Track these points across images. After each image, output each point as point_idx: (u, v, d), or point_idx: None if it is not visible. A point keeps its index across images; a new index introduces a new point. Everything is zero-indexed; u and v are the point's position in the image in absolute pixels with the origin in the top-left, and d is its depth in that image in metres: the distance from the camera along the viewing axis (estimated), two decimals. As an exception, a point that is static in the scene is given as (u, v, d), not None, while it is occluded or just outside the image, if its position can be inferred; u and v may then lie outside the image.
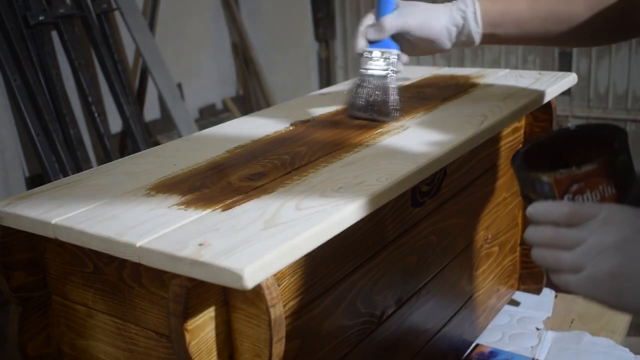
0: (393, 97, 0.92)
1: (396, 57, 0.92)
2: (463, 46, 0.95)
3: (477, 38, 0.92)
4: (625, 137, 0.60)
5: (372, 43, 0.93)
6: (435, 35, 0.91)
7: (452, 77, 1.23)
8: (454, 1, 0.93)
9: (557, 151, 0.66)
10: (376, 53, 0.92)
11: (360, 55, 0.93)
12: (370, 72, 0.93)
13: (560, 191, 0.58)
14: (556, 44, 0.96)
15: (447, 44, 0.93)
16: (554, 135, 0.70)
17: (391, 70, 0.92)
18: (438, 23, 0.91)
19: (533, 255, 0.61)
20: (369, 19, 0.94)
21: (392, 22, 0.91)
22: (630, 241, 0.54)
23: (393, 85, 0.92)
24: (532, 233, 0.60)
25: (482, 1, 0.91)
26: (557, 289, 1.37)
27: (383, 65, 0.92)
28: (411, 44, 0.94)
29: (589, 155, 0.60)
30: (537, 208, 0.60)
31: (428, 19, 0.91)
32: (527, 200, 0.62)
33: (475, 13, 0.90)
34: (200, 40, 2.62)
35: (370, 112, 0.93)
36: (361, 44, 0.92)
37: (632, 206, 0.57)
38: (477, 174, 1.06)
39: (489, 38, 0.93)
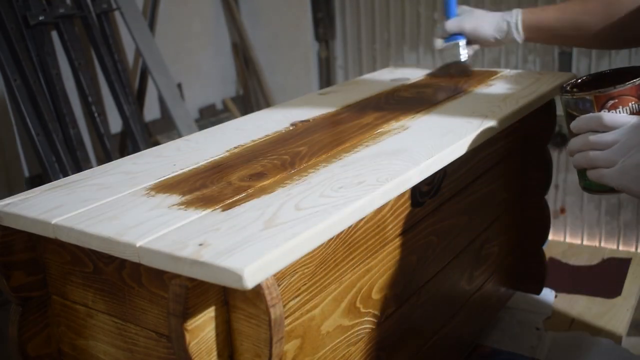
0: (466, 65, 1.23)
1: (463, 43, 1.21)
2: (510, 42, 1.19)
3: (519, 41, 1.16)
4: None
5: (446, 39, 1.22)
6: (483, 38, 1.19)
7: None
8: (504, 12, 1.17)
9: (596, 85, 0.79)
10: (447, 44, 1.23)
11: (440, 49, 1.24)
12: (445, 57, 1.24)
13: (599, 106, 0.75)
14: (576, 46, 1.21)
15: (495, 43, 1.20)
16: (592, 75, 0.85)
17: (463, 52, 1.21)
18: (486, 30, 1.18)
19: (574, 160, 0.76)
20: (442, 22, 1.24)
21: (451, 25, 1.20)
22: None
23: (465, 59, 1.22)
24: (576, 141, 0.76)
25: (525, 12, 1.14)
26: (557, 288, 1.37)
27: (453, 51, 1.22)
28: (468, 40, 1.21)
29: (622, 82, 0.75)
30: (581, 119, 0.75)
31: (479, 25, 1.18)
32: (572, 118, 0.77)
33: (517, 23, 1.14)
34: (200, 40, 2.62)
35: (454, 73, 1.23)
36: (437, 41, 1.23)
37: None
38: (477, 174, 1.06)
39: (531, 40, 1.17)
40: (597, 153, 0.73)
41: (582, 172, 0.78)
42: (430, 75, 1.27)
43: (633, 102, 0.74)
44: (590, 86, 0.82)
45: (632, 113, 0.74)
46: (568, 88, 0.82)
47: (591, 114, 0.75)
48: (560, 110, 0.91)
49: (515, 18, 1.14)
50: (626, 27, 1.03)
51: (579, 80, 0.84)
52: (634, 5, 1.01)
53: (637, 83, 0.75)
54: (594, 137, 0.74)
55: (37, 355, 0.75)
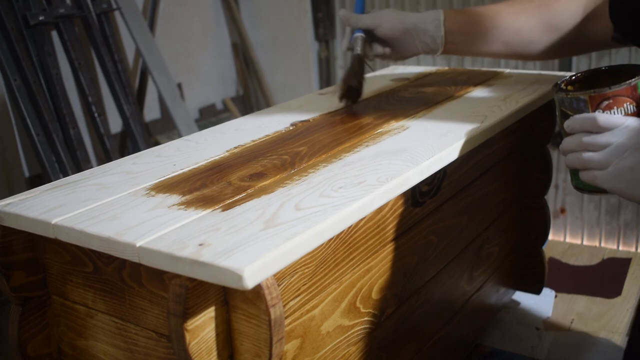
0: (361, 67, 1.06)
1: (360, 37, 1.04)
2: (427, 51, 1.03)
3: (439, 44, 1.01)
4: None
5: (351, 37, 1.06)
6: (397, 37, 1.01)
7: (453, 77, 1.23)
8: (425, 12, 1.02)
9: (591, 83, 0.79)
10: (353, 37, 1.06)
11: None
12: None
13: (593, 106, 0.73)
14: (507, 57, 1.06)
15: (413, 45, 1.02)
16: (587, 72, 0.83)
17: (358, 47, 1.04)
18: (396, 28, 1.01)
19: (567, 160, 0.75)
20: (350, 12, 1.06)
21: (365, 18, 1.02)
22: None
23: (358, 52, 1.04)
24: (569, 141, 0.74)
25: (448, 13, 1.00)
26: (557, 288, 1.37)
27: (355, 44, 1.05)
28: (382, 44, 1.04)
29: (617, 82, 0.74)
30: (575, 119, 0.74)
31: (388, 21, 1.02)
32: (565, 116, 0.76)
33: (440, 25, 1.00)
34: (200, 40, 2.62)
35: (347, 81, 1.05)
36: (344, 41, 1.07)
37: None
38: (477, 174, 1.06)
39: (450, 48, 1.02)
40: (590, 154, 0.72)
41: (574, 172, 0.78)
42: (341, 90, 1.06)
43: (628, 103, 0.73)
44: (584, 84, 0.81)
45: (627, 114, 0.73)
46: (562, 86, 0.80)
47: (585, 115, 0.73)
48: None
49: (439, 17, 1.00)
50: (563, 30, 0.96)
51: (574, 77, 0.82)
52: (571, 7, 0.95)
53: (632, 83, 0.73)
54: (587, 138, 0.72)
55: (37, 355, 0.75)
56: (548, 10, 0.96)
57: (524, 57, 1.03)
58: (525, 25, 0.97)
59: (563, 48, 0.99)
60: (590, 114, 0.73)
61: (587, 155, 0.72)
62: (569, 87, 0.81)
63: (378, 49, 1.05)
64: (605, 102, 0.73)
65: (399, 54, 1.05)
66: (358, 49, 1.03)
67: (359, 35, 1.04)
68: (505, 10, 0.99)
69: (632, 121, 0.71)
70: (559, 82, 0.81)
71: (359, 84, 1.04)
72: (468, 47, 1.02)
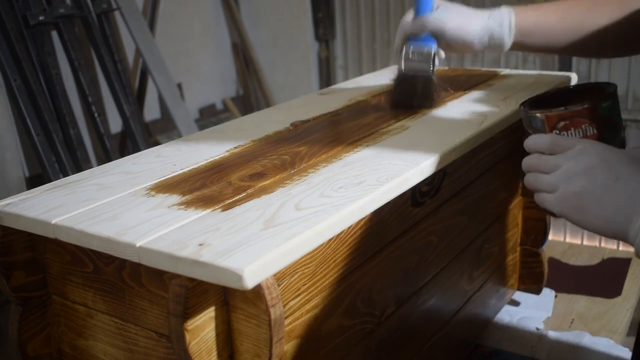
0: (431, 89, 0.99)
1: (433, 52, 0.97)
2: (493, 51, 1.00)
3: (508, 45, 0.97)
4: (613, 89, 0.73)
5: (410, 39, 0.98)
6: (469, 39, 0.97)
7: (452, 78, 1.23)
8: (492, 9, 0.97)
9: (559, 101, 0.76)
10: (415, 48, 0.98)
11: (400, 51, 0.98)
12: (409, 66, 0.99)
13: (550, 126, 0.71)
14: (580, 55, 1.03)
15: (478, 47, 0.98)
16: (556, 91, 0.82)
17: (430, 64, 0.97)
18: (473, 28, 0.96)
19: (525, 179, 0.73)
20: (409, 16, 0.99)
21: (431, 22, 0.96)
22: (596, 168, 0.66)
23: (431, 78, 0.98)
24: (526, 160, 0.73)
25: (517, 11, 0.96)
26: (557, 288, 1.37)
27: (421, 59, 0.98)
28: (446, 43, 0.98)
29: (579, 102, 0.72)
30: (531, 138, 0.72)
31: (464, 23, 0.96)
32: (526, 135, 0.74)
33: (510, 24, 0.96)
34: (200, 40, 2.62)
35: (410, 102, 0.99)
36: (399, 40, 0.99)
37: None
38: (477, 174, 1.06)
39: (519, 46, 0.98)
40: (541, 176, 0.70)
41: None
42: (389, 100, 1.04)
43: (586, 125, 0.71)
44: (555, 102, 0.78)
45: (585, 136, 0.71)
46: (527, 103, 0.78)
47: (539, 135, 0.71)
48: None
49: (508, 19, 0.96)
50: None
51: (542, 96, 0.80)
52: None
53: (590, 104, 0.71)
54: (538, 159, 0.70)
55: (37, 355, 0.75)
56: (625, 6, 0.91)
57: (593, 55, 1.03)
58: (598, 24, 0.92)
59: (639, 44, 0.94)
60: (543, 135, 0.71)
61: (538, 176, 0.71)
62: (531, 105, 0.78)
63: (441, 53, 1.01)
64: (562, 123, 0.71)
65: (456, 50, 1.01)
66: (430, 67, 0.97)
67: (430, 48, 0.96)
68: (576, 6, 0.95)
69: (584, 144, 0.68)
70: (529, 98, 0.79)
71: (429, 104, 0.99)
72: (534, 47, 0.99)
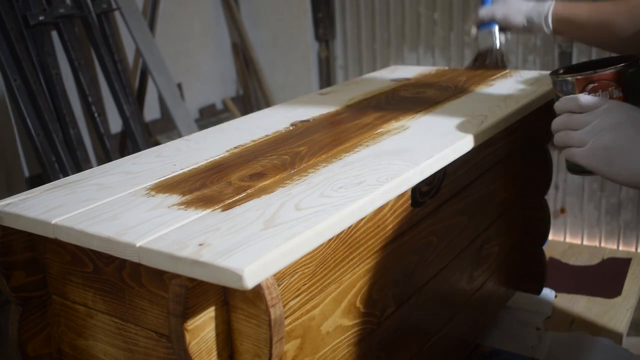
0: (501, 54, 1.28)
1: (495, 30, 1.24)
2: (536, 34, 1.27)
3: (547, 32, 1.15)
4: (636, 60, 0.79)
5: (480, 26, 1.26)
6: (513, 26, 1.21)
7: (452, 77, 1.23)
8: (538, 1, 1.17)
9: (587, 70, 0.82)
10: (480, 32, 1.27)
11: (475, 34, 1.29)
12: (480, 43, 1.29)
13: (579, 89, 0.78)
14: (604, 48, 1.14)
15: (525, 31, 1.21)
16: (583, 63, 0.88)
17: (493, 41, 1.26)
18: (516, 18, 1.20)
19: (555, 139, 0.78)
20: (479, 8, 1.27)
21: (483, 13, 1.24)
22: (623, 124, 0.72)
23: (498, 46, 1.26)
24: (556, 120, 0.77)
25: (557, 5, 1.13)
26: (557, 288, 1.37)
27: (486, 39, 1.27)
28: (500, 27, 1.24)
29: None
30: (562, 100, 0.78)
31: (510, 13, 1.21)
32: (556, 99, 0.80)
33: (547, 15, 1.13)
34: (200, 40, 2.62)
35: (489, 64, 1.28)
36: (472, 29, 1.28)
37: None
38: (477, 174, 1.06)
39: (559, 33, 1.16)
40: (571, 132, 0.75)
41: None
42: (468, 67, 1.32)
43: (613, 88, 0.77)
44: (583, 70, 0.85)
45: (611, 98, 0.77)
46: (560, 71, 0.84)
47: (570, 96, 0.77)
48: None
49: (547, 9, 1.15)
50: None
51: (575, 64, 0.86)
52: None
53: (617, 69, 0.77)
54: (569, 117, 0.76)
55: (37, 355, 0.75)
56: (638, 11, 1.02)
57: (615, 50, 1.10)
58: (616, 24, 1.02)
59: None
60: (574, 95, 0.77)
61: (569, 133, 0.76)
62: (562, 70, 0.85)
63: (502, 37, 1.26)
64: (591, 85, 0.78)
65: (510, 30, 1.26)
66: (497, 42, 1.24)
67: (494, 28, 1.24)
68: (604, 7, 1.05)
69: (612, 103, 0.74)
70: (558, 68, 0.86)
71: (504, 66, 1.27)
72: (572, 36, 1.20)
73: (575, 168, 0.79)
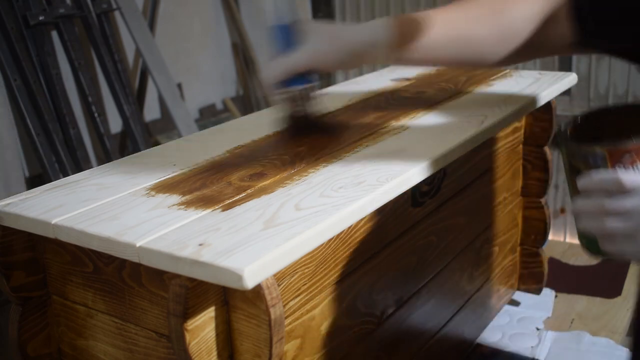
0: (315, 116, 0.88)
1: (309, 90, 0.86)
2: (370, 63, 0.88)
3: (385, 61, 0.88)
4: None
5: (290, 82, 0.84)
6: (331, 69, 0.87)
7: (452, 77, 1.23)
8: (366, 23, 0.85)
9: (597, 126, 0.70)
10: (291, 94, 0.85)
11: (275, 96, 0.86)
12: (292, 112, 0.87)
13: (613, 162, 0.62)
14: (463, 66, 0.99)
15: (355, 67, 0.88)
16: (592, 113, 0.72)
17: (309, 106, 0.87)
18: (335, 58, 0.83)
19: (583, 225, 0.62)
20: (270, 59, 0.85)
21: (286, 65, 0.82)
22: None
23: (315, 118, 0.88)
24: (585, 203, 0.62)
25: (395, 22, 0.84)
26: (557, 288, 1.37)
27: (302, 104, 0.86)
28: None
29: (629, 129, 0.64)
30: (594, 179, 0.61)
31: (326, 53, 0.83)
32: (576, 171, 0.65)
33: (384, 37, 0.83)
34: (200, 40, 2.62)
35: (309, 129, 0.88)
36: (271, 87, 0.85)
37: None
38: (477, 174, 1.06)
39: (400, 61, 0.87)
40: (616, 224, 0.60)
41: (586, 234, 0.65)
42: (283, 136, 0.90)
43: None
44: (591, 128, 0.70)
45: None
46: (568, 131, 0.69)
47: (607, 174, 0.61)
48: (560, 110, 0.88)
49: (381, 36, 0.83)
50: (519, 37, 0.85)
51: (579, 120, 0.71)
52: (526, 12, 0.84)
53: None
54: (611, 203, 0.59)
55: (37, 355, 0.75)
56: (503, 17, 0.85)
57: (478, 66, 0.96)
58: (478, 36, 0.85)
59: (519, 55, 0.87)
60: (614, 174, 0.60)
61: (613, 224, 0.60)
62: (577, 135, 0.69)
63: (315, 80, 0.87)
64: (627, 157, 0.61)
65: (334, 70, 0.93)
66: (302, 106, 0.86)
67: (307, 86, 0.85)
68: (456, 18, 0.86)
69: None
70: (563, 129, 0.70)
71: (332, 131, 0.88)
72: (415, 61, 0.88)
73: (604, 253, 0.64)
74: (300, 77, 0.84)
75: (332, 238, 0.72)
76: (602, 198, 0.60)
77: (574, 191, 0.65)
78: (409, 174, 0.73)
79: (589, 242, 0.65)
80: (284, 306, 0.67)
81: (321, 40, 0.83)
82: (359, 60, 0.85)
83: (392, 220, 0.84)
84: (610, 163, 0.62)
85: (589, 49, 0.83)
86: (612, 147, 0.61)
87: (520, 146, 1.22)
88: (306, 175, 0.74)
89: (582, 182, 0.63)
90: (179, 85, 2.51)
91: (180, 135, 2.05)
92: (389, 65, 1.45)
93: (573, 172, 0.65)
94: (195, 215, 0.64)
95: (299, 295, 0.70)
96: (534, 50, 0.86)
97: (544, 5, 0.83)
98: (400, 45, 0.84)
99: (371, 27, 0.84)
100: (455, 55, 0.87)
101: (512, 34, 0.85)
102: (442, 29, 0.85)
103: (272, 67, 0.83)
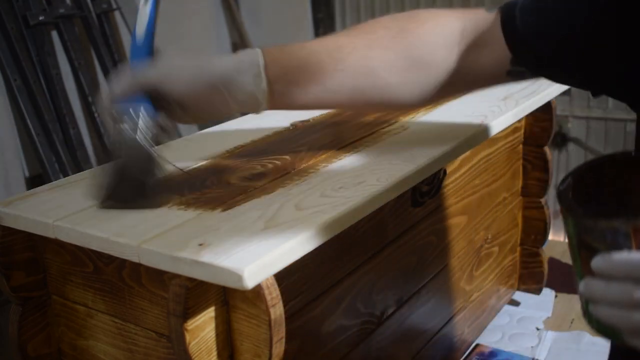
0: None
1: (142, 111, 0.67)
2: (242, 111, 0.74)
3: (262, 101, 0.69)
4: None
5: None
6: (198, 92, 0.67)
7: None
8: (234, 54, 0.70)
9: (598, 182, 0.58)
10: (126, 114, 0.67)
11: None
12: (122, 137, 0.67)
13: (638, 240, 0.49)
14: (376, 108, 0.82)
15: (213, 106, 0.68)
16: (587, 166, 0.58)
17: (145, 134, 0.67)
18: (200, 75, 0.67)
19: (603, 314, 0.50)
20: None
21: (146, 76, 0.68)
22: None
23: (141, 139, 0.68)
24: (606, 289, 0.49)
25: (271, 51, 0.70)
26: (557, 288, 1.37)
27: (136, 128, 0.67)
28: (178, 107, 0.69)
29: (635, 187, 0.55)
30: (613, 260, 0.49)
31: (186, 71, 0.68)
32: (586, 248, 0.51)
33: (255, 65, 0.68)
34: (200, 40, 2.62)
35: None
36: (104, 103, 0.69)
37: None
38: (477, 174, 1.06)
39: (279, 103, 0.71)
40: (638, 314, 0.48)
41: (606, 323, 0.52)
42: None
43: None
44: (592, 185, 0.58)
45: None
46: (577, 205, 0.53)
47: (634, 256, 0.48)
48: (560, 110, 0.85)
49: (253, 63, 0.68)
50: (434, 68, 0.71)
51: (578, 178, 0.57)
52: (437, 35, 0.71)
53: None
54: (630, 290, 0.48)
55: (37, 355, 0.75)
56: (408, 41, 0.70)
57: (385, 105, 0.75)
58: (379, 64, 0.70)
59: (439, 88, 0.72)
60: (633, 255, 0.49)
61: (635, 315, 0.48)
62: (573, 193, 0.55)
63: (167, 117, 0.69)
64: None
65: (198, 117, 0.71)
66: (141, 133, 0.67)
67: (138, 108, 0.67)
68: (349, 44, 0.70)
69: None
70: (564, 191, 0.55)
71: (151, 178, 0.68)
72: (302, 100, 0.71)
73: (618, 337, 0.51)
74: (143, 99, 0.67)
75: (332, 238, 0.72)
76: (629, 285, 0.48)
77: (585, 270, 0.52)
78: (409, 174, 0.73)
79: (607, 331, 0.52)
80: (284, 306, 0.67)
81: (177, 60, 0.69)
82: (219, 96, 0.67)
83: (392, 220, 0.85)
84: (635, 242, 0.49)
85: (526, 77, 0.71)
86: (638, 223, 0.49)
87: (520, 146, 1.22)
88: (306, 175, 0.74)
89: (601, 264, 0.50)
90: (179, 85, 2.51)
91: (180, 135, 2.05)
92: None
93: (583, 248, 0.52)
94: (195, 215, 0.64)
95: (299, 295, 0.70)
96: (458, 82, 0.72)
97: (464, 27, 0.70)
98: (278, 83, 0.68)
99: (240, 58, 0.69)
100: (351, 93, 0.71)
101: (423, 61, 0.71)
102: (332, 59, 0.69)
103: (117, 79, 0.68)
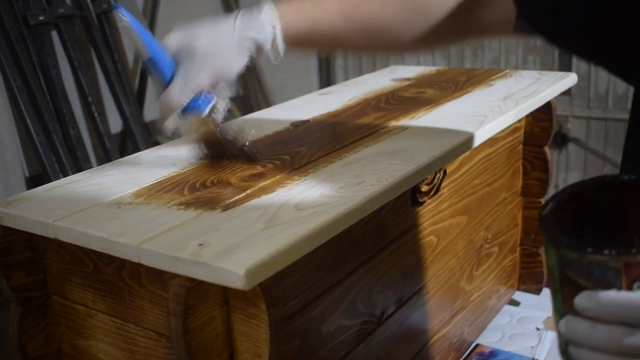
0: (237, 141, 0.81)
1: (214, 107, 0.76)
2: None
3: (279, 58, 0.77)
4: None
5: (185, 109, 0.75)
6: (231, 80, 0.77)
7: (452, 77, 1.23)
8: (247, 28, 0.75)
9: (583, 209, 0.51)
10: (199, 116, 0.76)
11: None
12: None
13: (630, 278, 0.43)
14: (377, 53, 0.88)
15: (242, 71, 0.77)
16: (567, 192, 0.51)
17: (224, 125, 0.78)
18: (232, 69, 0.75)
19: (583, 359, 0.45)
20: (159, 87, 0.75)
21: (199, 77, 0.73)
22: None
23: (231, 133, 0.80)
24: (589, 332, 0.44)
25: (288, 13, 0.76)
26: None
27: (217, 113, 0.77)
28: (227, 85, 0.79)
29: (625, 214, 0.50)
30: (599, 299, 0.43)
31: (222, 68, 0.74)
32: (570, 283, 0.45)
33: (274, 39, 0.75)
34: (200, 40, 2.62)
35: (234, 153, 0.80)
36: (169, 122, 0.75)
37: None
38: (477, 174, 1.06)
39: (298, 52, 0.80)
40: None
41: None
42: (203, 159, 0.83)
43: None
44: (578, 213, 0.51)
45: None
46: (561, 234, 0.46)
47: (626, 297, 0.42)
48: (560, 110, 0.85)
49: (272, 33, 0.75)
50: (437, 18, 0.76)
51: (561, 201, 0.50)
52: None
53: None
54: (632, 340, 0.42)
55: (37, 355, 0.75)
56: None
57: (390, 49, 0.84)
58: (388, 15, 0.76)
59: (444, 37, 0.79)
60: (634, 299, 0.42)
61: None
62: (557, 221, 0.48)
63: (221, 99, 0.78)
64: None
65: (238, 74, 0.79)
66: (219, 115, 0.77)
67: (213, 100, 0.76)
68: (379, 5, 0.77)
69: None
70: (546, 217, 0.48)
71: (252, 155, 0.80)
72: (317, 44, 0.81)
73: None
74: (199, 97, 0.74)
75: (332, 238, 0.72)
76: (617, 330, 0.43)
77: (567, 307, 0.46)
78: (409, 174, 0.73)
79: None
80: (284, 306, 0.67)
81: (210, 48, 0.74)
82: (259, 51, 0.76)
83: (392, 220, 0.85)
84: (626, 280, 0.43)
85: (532, 34, 0.73)
86: (630, 258, 0.42)
87: (520, 146, 1.22)
88: (306, 175, 0.74)
89: (587, 304, 0.44)
90: (179, 85, 2.51)
91: (180, 136, 2.05)
92: (389, 65, 1.45)
93: (566, 282, 0.46)
94: (195, 215, 0.64)
95: (299, 295, 0.70)
96: (462, 32, 0.78)
97: None
98: (294, 40, 0.76)
99: (253, 33, 0.75)
100: (364, 43, 0.79)
101: (429, 13, 0.76)
102: (347, 18, 0.76)
103: (172, 93, 0.72)
